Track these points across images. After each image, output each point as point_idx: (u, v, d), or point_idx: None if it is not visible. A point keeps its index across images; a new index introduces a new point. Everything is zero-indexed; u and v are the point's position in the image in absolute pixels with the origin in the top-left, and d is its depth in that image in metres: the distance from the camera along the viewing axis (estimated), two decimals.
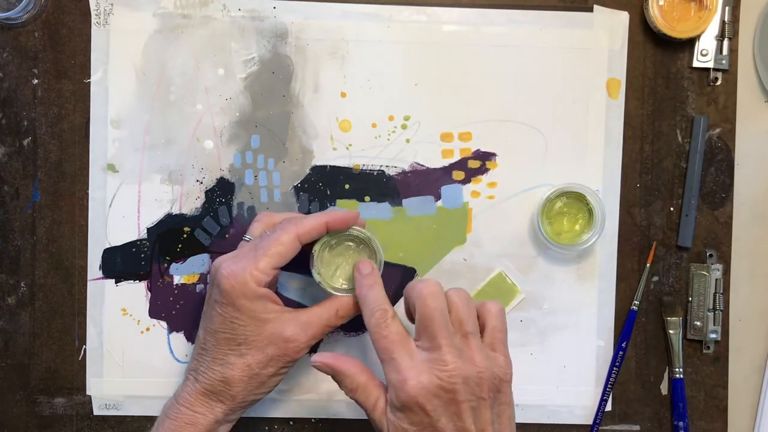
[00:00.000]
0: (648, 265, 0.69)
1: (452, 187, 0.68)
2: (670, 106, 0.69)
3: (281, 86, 0.68)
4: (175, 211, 0.68)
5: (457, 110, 0.68)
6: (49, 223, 0.68)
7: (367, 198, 0.68)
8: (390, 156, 0.68)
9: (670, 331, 0.69)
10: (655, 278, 0.69)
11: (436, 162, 0.68)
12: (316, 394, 0.69)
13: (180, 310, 0.68)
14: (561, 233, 0.67)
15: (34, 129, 0.68)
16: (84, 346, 0.68)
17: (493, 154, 0.68)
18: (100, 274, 0.68)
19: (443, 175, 0.68)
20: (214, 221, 0.68)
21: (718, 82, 0.69)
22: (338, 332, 0.68)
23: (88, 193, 0.68)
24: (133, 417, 0.68)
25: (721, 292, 0.69)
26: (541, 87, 0.68)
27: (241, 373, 0.59)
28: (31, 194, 0.68)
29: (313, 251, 0.61)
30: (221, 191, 0.68)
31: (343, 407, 0.69)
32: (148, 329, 0.68)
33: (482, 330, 0.57)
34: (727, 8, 0.68)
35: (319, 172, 0.68)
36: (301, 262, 0.61)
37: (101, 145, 0.68)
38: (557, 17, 0.68)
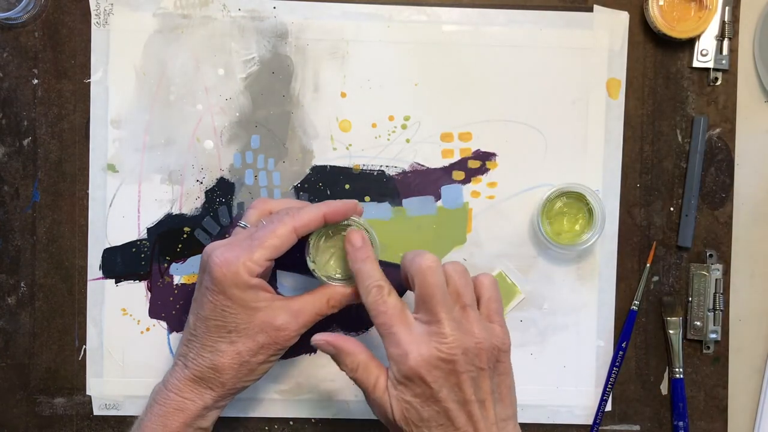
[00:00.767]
0: (648, 265, 0.69)
1: (452, 187, 0.68)
2: (670, 106, 0.69)
3: (281, 86, 0.68)
4: (175, 211, 0.68)
5: (457, 110, 0.68)
6: (49, 223, 0.68)
7: (367, 198, 0.68)
8: (390, 156, 0.68)
9: (670, 331, 0.68)
10: (655, 278, 0.69)
11: (436, 162, 0.68)
12: (316, 394, 0.69)
13: (180, 310, 0.68)
14: (561, 233, 0.67)
15: (34, 129, 0.68)
16: (84, 346, 0.68)
17: (493, 154, 0.68)
18: (100, 274, 0.68)
19: (443, 175, 0.68)
20: (214, 221, 0.68)
21: (718, 82, 0.69)
22: (338, 330, 0.68)
23: (88, 193, 0.68)
24: (133, 417, 0.68)
25: (721, 292, 0.69)
26: (542, 87, 0.68)
27: (231, 361, 0.59)
28: (31, 194, 0.68)
29: (308, 240, 0.61)
30: (221, 191, 0.68)
31: (343, 407, 0.69)
32: (148, 329, 0.68)
33: (477, 302, 0.58)
34: (727, 8, 0.68)
35: (319, 172, 0.68)
36: (294, 253, 0.61)
37: (101, 145, 0.68)
38: (557, 17, 0.68)
